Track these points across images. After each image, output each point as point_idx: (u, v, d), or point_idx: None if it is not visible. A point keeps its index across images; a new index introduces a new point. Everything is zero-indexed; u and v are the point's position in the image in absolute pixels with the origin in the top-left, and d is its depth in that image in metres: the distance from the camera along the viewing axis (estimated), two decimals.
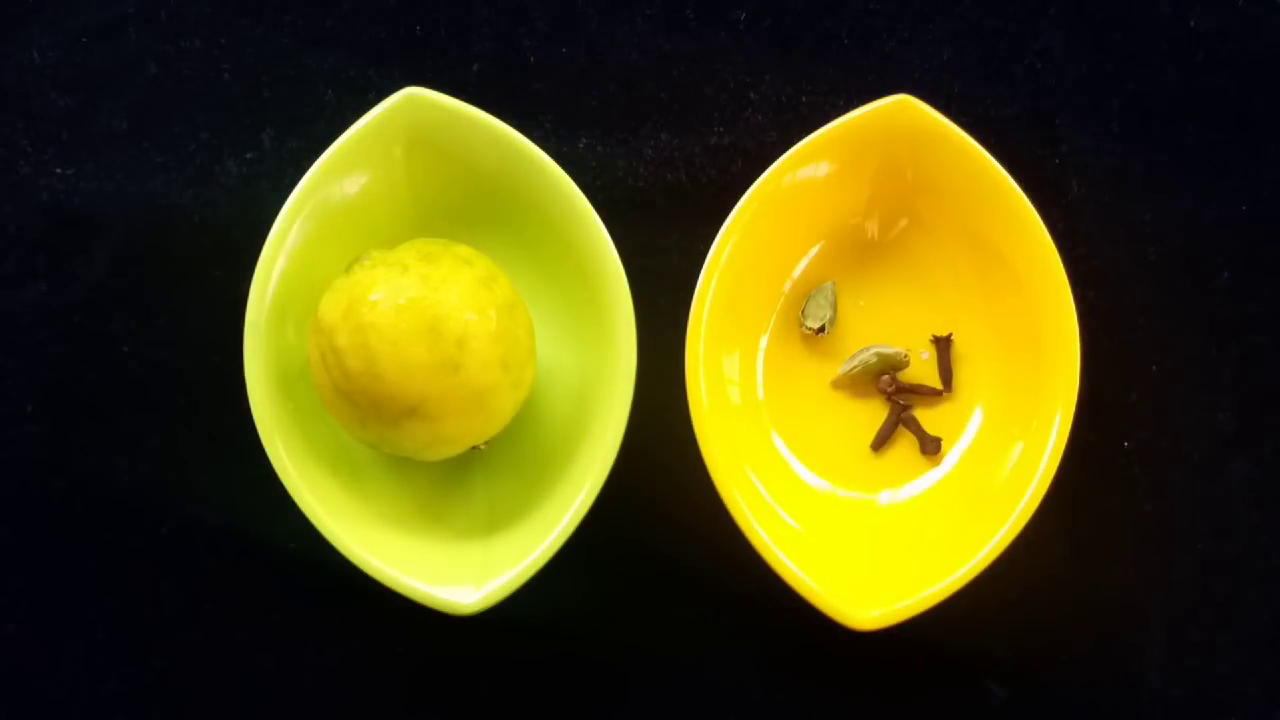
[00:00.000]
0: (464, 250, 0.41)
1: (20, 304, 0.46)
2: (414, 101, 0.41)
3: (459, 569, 0.41)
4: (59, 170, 0.47)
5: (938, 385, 0.45)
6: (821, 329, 0.45)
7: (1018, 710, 0.45)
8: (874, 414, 0.45)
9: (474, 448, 0.42)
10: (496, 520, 0.43)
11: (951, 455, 0.45)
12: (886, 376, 0.45)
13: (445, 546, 0.42)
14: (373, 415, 0.39)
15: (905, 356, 0.45)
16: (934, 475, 0.45)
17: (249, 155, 0.46)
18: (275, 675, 0.45)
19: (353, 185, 0.42)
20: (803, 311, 0.45)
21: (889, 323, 0.45)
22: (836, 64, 0.46)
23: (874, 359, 0.45)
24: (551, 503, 0.41)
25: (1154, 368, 0.46)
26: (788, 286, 0.45)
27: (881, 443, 0.45)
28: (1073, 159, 0.46)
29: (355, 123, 0.41)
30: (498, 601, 0.40)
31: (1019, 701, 0.45)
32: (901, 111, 0.42)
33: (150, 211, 0.46)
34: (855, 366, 0.45)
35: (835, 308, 0.45)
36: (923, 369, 0.45)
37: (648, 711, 0.45)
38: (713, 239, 0.42)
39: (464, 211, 0.44)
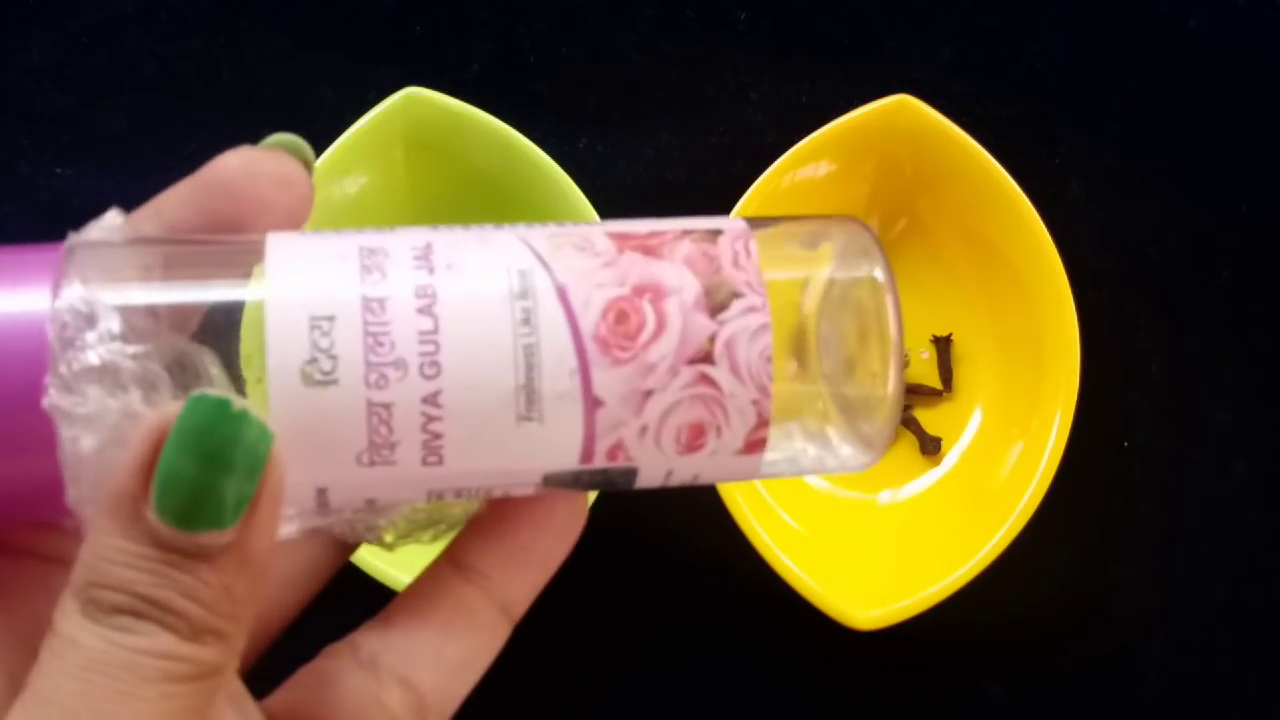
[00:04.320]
0: None
1: None
2: (414, 101, 0.41)
3: None
4: (59, 170, 0.46)
5: (938, 385, 0.45)
6: None
7: (1018, 710, 0.45)
8: None
9: None
10: None
11: (951, 455, 0.45)
12: None
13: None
14: None
15: (905, 356, 0.45)
16: (934, 475, 0.45)
17: None
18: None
19: (353, 185, 0.42)
20: None
21: None
22: (836, 64, 0.46)
23: None
24: None
25: (1154, 368, 0.45)
26: None
27: None
28: (1073, 159, 0.46)
29: (355, 123, 0.41)
30: None
31: (1019, 701, 0.45)
32: (901, 111, 0.42)
33: None
34: None
35: None
36: (923, 369, 0.45)
37: (648, 711, 0.45)
38: None
39: (464, 211, 0.44)
